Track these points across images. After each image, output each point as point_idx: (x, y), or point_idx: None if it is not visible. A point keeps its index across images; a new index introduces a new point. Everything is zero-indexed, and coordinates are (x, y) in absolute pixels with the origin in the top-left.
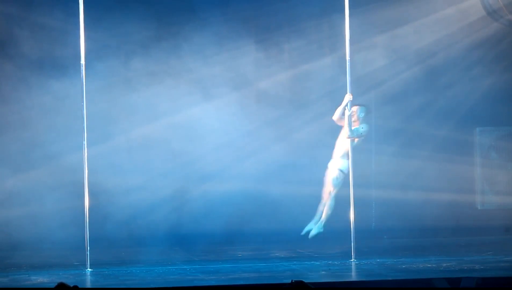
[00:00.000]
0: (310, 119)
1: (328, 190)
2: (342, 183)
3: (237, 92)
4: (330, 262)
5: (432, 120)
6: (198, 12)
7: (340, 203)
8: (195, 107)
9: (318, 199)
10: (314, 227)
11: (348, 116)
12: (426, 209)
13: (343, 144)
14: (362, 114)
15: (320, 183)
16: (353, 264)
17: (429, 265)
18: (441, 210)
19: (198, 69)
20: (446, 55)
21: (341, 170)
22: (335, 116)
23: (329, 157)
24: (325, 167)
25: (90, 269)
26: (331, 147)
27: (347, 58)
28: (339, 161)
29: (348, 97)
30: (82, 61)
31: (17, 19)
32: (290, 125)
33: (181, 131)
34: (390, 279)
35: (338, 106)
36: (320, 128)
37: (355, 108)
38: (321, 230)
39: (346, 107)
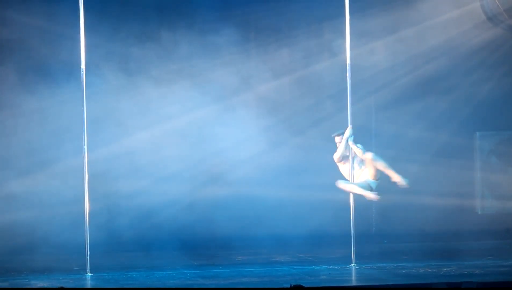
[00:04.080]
0: (310, 124)
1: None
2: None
3: (237, 96)
4: (330, 266)
5: (432, 124)
6: (199, 17)
7: (340, 207)
8: (195, 112)
9: (318, 204)
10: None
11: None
12: (426, 213)
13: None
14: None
15: (320, 188)
16: (353, 268)
17: (429, 270)
18: (441, 215)
19: (198, 73)
20: (447, 59)
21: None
22: (337, 156)
23: (328, 161)
24: (324, 171)
25: (90, 274)
26: (331, 151)
27: (348, 62)
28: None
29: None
30: (82, 66)
31: (17, 24)
32: (290, 130)
33: (182, 136)
34: (391, 283)
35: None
36: (320, 132)
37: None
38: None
39: (348, 140)
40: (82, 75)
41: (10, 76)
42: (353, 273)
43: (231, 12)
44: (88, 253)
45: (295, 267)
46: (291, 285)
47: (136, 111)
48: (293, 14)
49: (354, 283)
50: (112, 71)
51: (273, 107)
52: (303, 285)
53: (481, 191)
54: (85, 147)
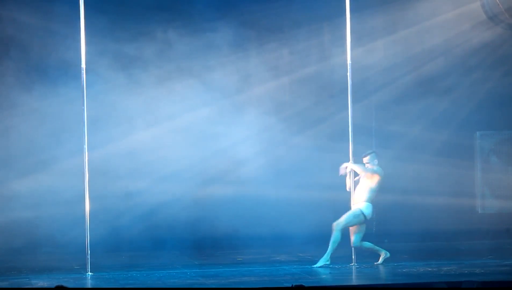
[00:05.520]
0: (310, 123)
1: (338, 221)
2: (359, 224)
3: (237, 96)
4: (330, 266)
5: (432, 124)
6: (199, 16)
7: (340, 207)
8: (195, 111)
9: (318, 203)
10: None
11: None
12: (427, 213)
13: (366, 188)
14: (375, 160)
15: (320, 187)
16: (353, 268)
17: (429, 269)
18: (441, 214)
19: (198, 73)
20: (447, 59)
21: (363, 212)
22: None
23: (328, 160)
24: (325, 171)
25: (90, 273)
26: (331, 151)
27: (348, 62)
28: (363, 204)
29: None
30: (83, 65)
31: (18, 23)
32: (290, 129)
33: (182, 135)
34: (391, 283)
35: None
36: (320, 132)
37: (366, 158)
38: (327, 262)
39: (349, 174)
40: (83, 74)
41: (9, 75)
42: (354, 272)
43: (231, 11)
44: (89, 252)
45: (295, 267)
46: (292, 285)
47: (136, 110)
48: (293, 14)
49: (354, 282)
50: (112, 70)
51: (273, 107)
52: (304, 284)
53: (481, 191)
54: (85, 146)
